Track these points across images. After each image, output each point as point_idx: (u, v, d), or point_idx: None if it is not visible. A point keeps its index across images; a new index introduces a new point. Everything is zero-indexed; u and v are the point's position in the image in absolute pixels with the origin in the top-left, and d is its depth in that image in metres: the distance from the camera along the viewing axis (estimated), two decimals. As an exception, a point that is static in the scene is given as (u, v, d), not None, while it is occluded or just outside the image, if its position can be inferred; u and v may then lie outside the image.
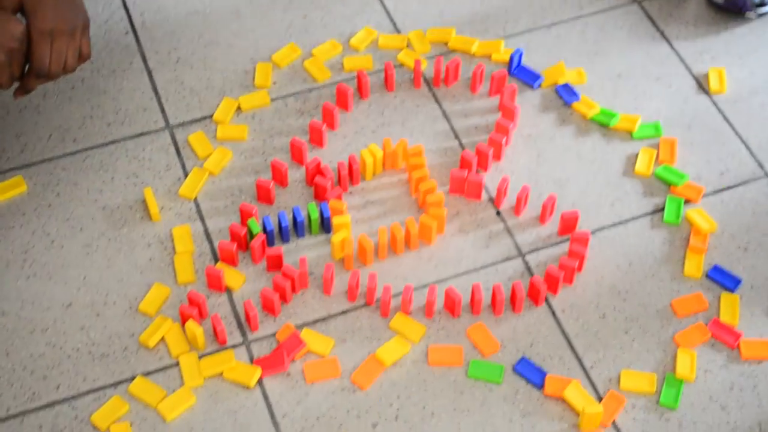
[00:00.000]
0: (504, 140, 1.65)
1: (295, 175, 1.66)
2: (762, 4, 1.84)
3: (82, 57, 1.55)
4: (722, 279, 1.55)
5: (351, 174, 1.63)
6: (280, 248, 1.54)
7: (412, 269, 1.56)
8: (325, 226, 1.58)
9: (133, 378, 1.45)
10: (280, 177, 1.63)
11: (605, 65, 1.80)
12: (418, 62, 1.75)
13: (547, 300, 1.53)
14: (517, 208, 1.61)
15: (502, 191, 1.61)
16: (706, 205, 1.63)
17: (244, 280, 1.54)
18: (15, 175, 1.64)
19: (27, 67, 1.51)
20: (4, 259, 1.56)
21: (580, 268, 1.55)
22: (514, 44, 1.83)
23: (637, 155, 1.68)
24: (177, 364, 1.46)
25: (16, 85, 1.65)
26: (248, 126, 1.71)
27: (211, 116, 1.72)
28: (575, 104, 1.74)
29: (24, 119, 1.71)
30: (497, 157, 1.67)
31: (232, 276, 1.54)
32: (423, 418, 1.42)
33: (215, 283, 1.52)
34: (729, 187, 1.66)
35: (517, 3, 1.89)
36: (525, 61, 1.80)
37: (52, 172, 1.65)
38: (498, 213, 1.62)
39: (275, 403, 1.43)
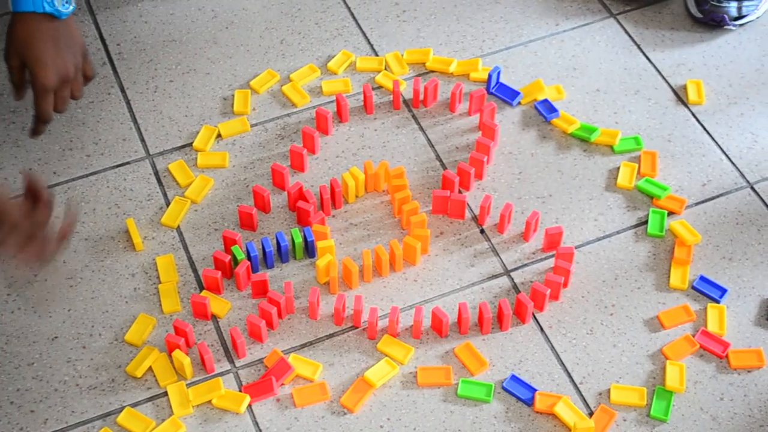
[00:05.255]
0: (485, 159, 1.65)
1: (278, 200, 1.65)
2: (740, 17, 1.85)
3: (87, 79, 1.56)
4: (708, 289, 1.55)
5: (333, 198, 1.63)
6: (265, 274, 1.53)
7: (398, 291, 1.56)
8: (309, 250, 1.58)
9: (121, 409, 1.44)
10: (262, 203, 1.63)
11: (584, 80, 1.81)
12: (396, 84, 1.75)
13: (534, 317, 1.53)
14: (500, 226, 1.61)
15: (485, 210, 1.61)
16: (689, 217, 1.63)
17: (230, 308, 1.53)
18: (-4, 210, 1.63)
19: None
20: (-12, 294, 1.55)
21: (566, 284, 1.55)
22: (491, 63, 1.83)
23: (618, 169, 1.69)
24: (165, 393, 1.45)
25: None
26: (229, 153, 1.71)
27: (191, 144, 1.72)
28: (555, 120, 1.74)
29: (3, 153, 1.70)
30: (479, 175, 1.67)
31: (217, 304, 1.53)
32: (414, 440, 1.42)
33: (201, 312, 1.52)
34: (711, 198, 1.66)
35: (494, 21, 1.90)
36: (503, 79, 1.80)
37: (33, 205, 1.64)
38: (482, 231, 1.62)
39: (265, 429, 1.42)
